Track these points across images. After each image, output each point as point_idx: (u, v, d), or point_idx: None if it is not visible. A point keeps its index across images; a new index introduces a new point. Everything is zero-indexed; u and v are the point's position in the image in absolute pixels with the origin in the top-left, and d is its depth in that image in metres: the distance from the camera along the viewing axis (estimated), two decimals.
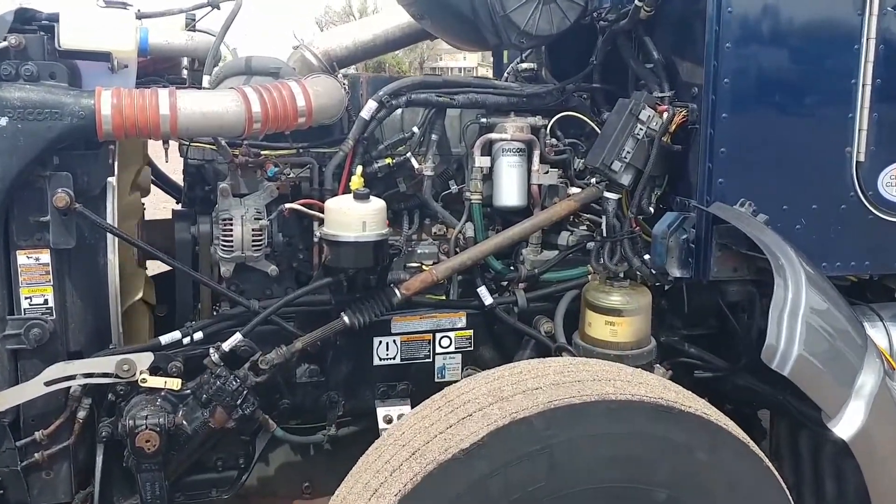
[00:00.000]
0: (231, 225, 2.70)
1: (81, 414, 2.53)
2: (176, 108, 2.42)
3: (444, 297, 3.01)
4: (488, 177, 3.00)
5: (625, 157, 2.71)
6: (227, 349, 2.58)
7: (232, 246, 2.71)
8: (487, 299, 2.90)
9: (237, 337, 2.60)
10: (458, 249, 2.96)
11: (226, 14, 2.94)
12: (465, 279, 3.01)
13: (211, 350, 2.58)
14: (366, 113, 2.84)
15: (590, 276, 2.96)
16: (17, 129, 2.33)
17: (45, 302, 2.49)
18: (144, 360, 2.52)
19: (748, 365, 2.82)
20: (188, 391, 2.56)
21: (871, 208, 2.70)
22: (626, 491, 1.99)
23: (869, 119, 2.62)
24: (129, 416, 2.45)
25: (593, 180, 2.97)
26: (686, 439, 2.03)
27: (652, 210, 2.81)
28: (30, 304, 2.48)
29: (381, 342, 2.86)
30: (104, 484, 2.59)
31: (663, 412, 2.02)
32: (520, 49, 3.26)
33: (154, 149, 3.11)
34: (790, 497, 2.17)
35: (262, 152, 2.82)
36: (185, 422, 2.51)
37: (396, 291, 2.74)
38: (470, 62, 31.56)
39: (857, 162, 2.65)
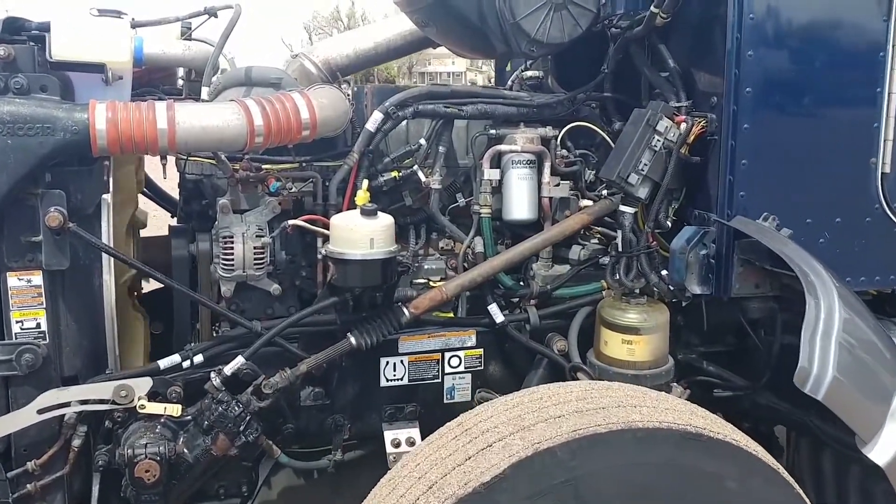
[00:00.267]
0: (232, 243, 2.61)
1: (76, 442, 2.46)
2: (174, 122, 2.33)
3: (452, 315, 2.93)
4: (497, 189, 2.91)
5: (642, 170, 2.62)
6: (228, 373, 2.50)
7: (233, 264, 2.62)
8: (498, 317, 2.82)
9: (239, 360, 2.52)
10: (465, 265, 2.89)
11: (223, 22, 2.84)
12: (474, 295, 2.93)
13: (212, 374, 2.50)
14: (371, 125, 2.75)
15: (604, 292, 2.87)
16: (6, 145, 2.23)
17: (38, 325, 2.41)
18: (143, 385, 2.44)
19: (768, 383, 2.75)
20: (189, 417, 2.48)
21: None
22: None
23: (895, 129, 2.55)
24: (127, 445, 2.38)
25: (605, 192, 2.89)
26: (716, 468, 1.94)
27: (669, 224, 2.72)
28: (21, 328, 2.39)
29: (388, 362, 2.77)
30: None
31: (692, 440, 1.93)
32: (530, 58, 3.17)
33: (151, 164, 3.01)
34: None
35: (264, 166, 2.72)
36: (186, 450, 2.43)
37: (405, 310, 2.66)
38: (458, 66, 31.56)
39: (882, 173, 2.58)
